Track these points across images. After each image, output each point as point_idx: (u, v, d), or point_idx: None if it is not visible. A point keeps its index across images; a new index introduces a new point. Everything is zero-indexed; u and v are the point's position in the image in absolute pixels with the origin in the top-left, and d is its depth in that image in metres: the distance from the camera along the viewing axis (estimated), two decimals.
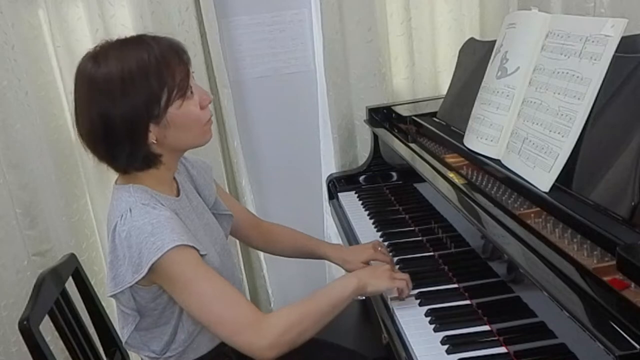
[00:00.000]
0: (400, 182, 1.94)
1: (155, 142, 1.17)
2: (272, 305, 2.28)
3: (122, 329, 1.26)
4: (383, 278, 1.26)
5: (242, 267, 2.26)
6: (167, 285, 1.15)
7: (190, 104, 1.19)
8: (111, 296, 1.18)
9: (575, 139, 1.09)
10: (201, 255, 1.18)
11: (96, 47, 1.18)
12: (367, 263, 1.46)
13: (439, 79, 2.23)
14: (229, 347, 1.24)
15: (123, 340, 1.27)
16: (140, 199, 1.17)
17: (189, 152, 1.35)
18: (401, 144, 1.72)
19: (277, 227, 1.64)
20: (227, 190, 2.11)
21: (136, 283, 1.13)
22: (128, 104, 1.12)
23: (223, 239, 1.39)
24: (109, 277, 1.16)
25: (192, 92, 1.19)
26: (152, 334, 1.25)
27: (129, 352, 1.57)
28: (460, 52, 1.76)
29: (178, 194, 1.29)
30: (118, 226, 1.13)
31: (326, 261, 2.33)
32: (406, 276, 1.30)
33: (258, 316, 1.13)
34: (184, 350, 1.26)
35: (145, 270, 1.10)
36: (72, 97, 1.92)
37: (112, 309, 2.11)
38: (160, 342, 1.25)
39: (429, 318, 1.23)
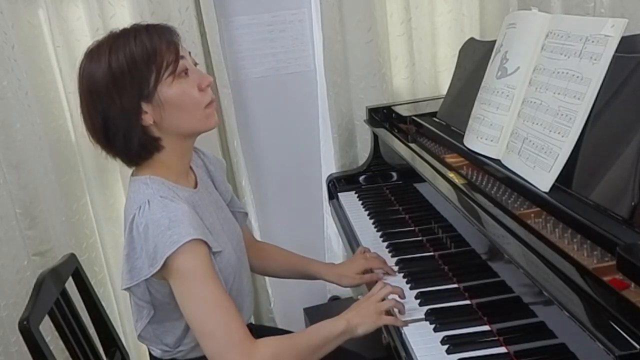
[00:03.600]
0: (400, 182, 1.94)
1: (152, 123, 1.17)
2: (272, 305, 2.28)
3: (136, 322, 1.26)
4: (371, 316, 1.21)
5: None
6: (174, 280, 1.14)
7: (185, 84, 1.18)
8: (126, 289, 1.18)
9: (575, 139, 1.09)
10: (216, 252, 1.18)
11: (93, 43, 1.20)
12: (363, 273, 1.45)
13: (439, 79, 2.23)
14: None
15: (137, 334, 1.27)
16: (158, 191, 1.16)
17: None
18: (401, 144, 1.72)
19: (270, 246, 1.62)
20: None
21: (152, 276, 1.13)
22: (122, 95, 1.13)
23: (240, 235, 1.39)
24: (125, 270, 1.16)
25: (186, 73, 1.18)
26: (165, 327, 1.26)
27: (139, 346, 1.56)
28: (460, 52, 1.76)
29: (196, 186, 1.29)
30: (136, 218, 1.13)
31: (326, 261, 2.35)
32: (392, 303, 1.24)
33: (248, 339, 1.12)
34: (196, 345, 1.25)
35: (160, 263, 1.10)
36: (72, 96, 1.93)
37: (112, 309, 2.11)
38: (173, 336, 1.26)
39: (429, 318, 1.23)
